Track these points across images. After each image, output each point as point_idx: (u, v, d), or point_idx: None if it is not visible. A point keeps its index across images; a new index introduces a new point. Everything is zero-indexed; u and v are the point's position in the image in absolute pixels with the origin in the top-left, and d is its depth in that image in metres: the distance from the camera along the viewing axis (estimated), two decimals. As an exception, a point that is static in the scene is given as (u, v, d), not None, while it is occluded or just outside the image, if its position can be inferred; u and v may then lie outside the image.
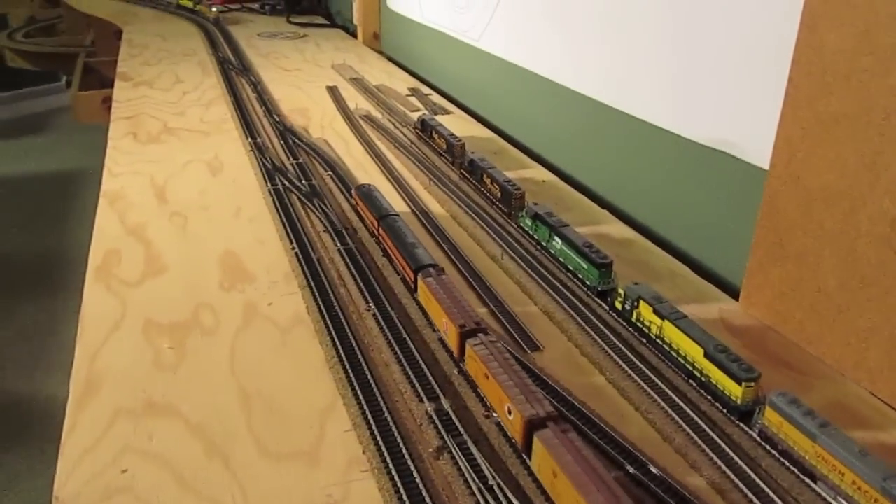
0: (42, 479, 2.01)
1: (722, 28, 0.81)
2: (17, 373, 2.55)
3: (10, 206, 3.88)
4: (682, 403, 0.61)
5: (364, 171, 1.12)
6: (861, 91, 0.61)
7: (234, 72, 1.71)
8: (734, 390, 0.59)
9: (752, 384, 0.59)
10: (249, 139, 1.22)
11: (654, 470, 0.54)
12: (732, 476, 0.54)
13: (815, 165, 0.66)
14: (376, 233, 0.87)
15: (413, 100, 1.51)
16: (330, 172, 1.09)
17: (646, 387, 0.63)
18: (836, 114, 0.63)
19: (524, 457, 0.53)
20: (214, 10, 2.43)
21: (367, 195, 0.91)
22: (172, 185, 1.06)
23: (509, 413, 0.54)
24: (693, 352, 0.63)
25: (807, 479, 0.53)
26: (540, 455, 0.50)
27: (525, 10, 1.22)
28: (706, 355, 0.62)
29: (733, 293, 0.80)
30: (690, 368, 0.63)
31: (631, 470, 0.54)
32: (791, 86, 0.68)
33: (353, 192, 0.96)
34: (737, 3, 0.78)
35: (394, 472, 0.53)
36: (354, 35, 2.22)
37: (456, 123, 1.36)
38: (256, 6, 2.71)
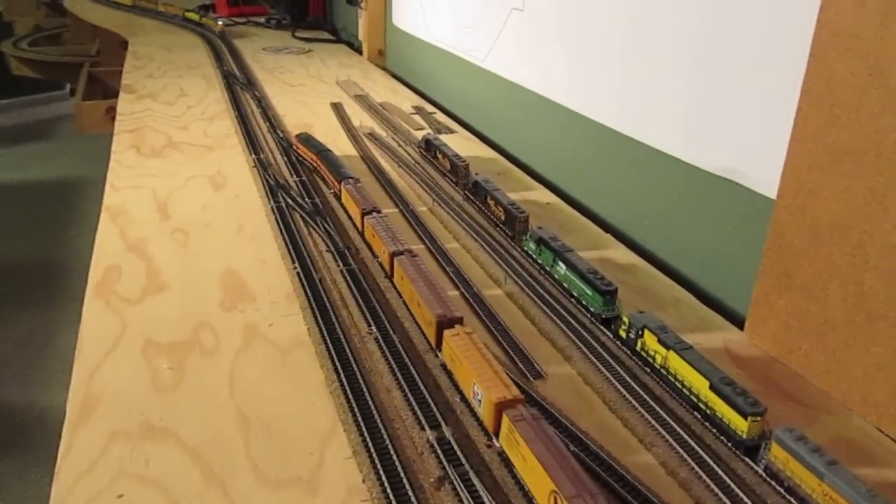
0: (33, 489, 1.99)
1: (732, 57, 0.81)
2: (12, 381, 2.54)
3: (11, 214, 3.87)
4: (686, 436, 0.60)
5: (367, 188, 1.12)
6: (870, 124, 0.61)
7: (239, 86, 1.71)
8: (740, 424, 0.58)
9: (758, 418, 0.58)
10: (253, 155, 1.22)
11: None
12: (738, 513, 0.53)
13: (822, 197, 0.66)
14: (315, 164, 1.14)
15: (417, 118, 1.51)
16: (333, 190, 1.08)
17: (650, 418, 0.62)
18: (845, 146, 0.63)
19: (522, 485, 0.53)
20: (220, 23, 2.44)
21: (307, 140, 1.20)
22: (174, 200, 1.05)
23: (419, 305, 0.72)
24: (698, 383, 0.62)
25: (813, 518, 0.52)
26: (448, 344, 0.64)
27: (533, 32, 1.23)
28: (711, 388, 0.61)
29: (738, 322, 0.80)
30: (695, 400, 0.63)
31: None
32: (799, 117, 0.67)
33: (293, 140, 1.24)
34: (748, 33, 0.78)
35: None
36: (359, 51, 2.23)
37: (460, 143, 1.35)
38: (262, 20, 2.71)
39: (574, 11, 1.09)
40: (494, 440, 0.57)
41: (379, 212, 0.90)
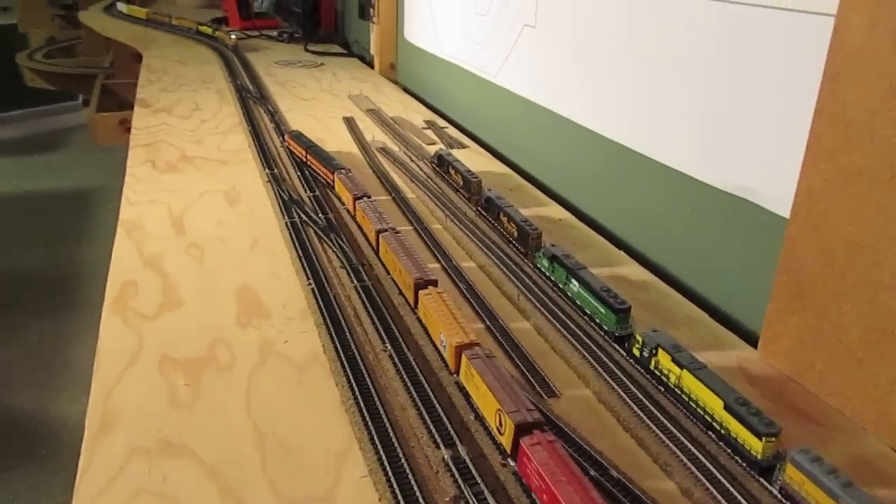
0: (45, 499, 2.00)
1: (746, 76, 0.81)
2: (23, 391, 2.55)
3: (24, 224, 3.91)
4: (701, 456, 0.60)
5: (380, 203, 1.12)
6: (884, 146, 0.61)
7: (252, 100, 1.72)
8: (754, 445, 0.58)
9: (773, 439, 0.58)
10: (267, 170, 1.23)
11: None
12: (753, 534, 0.53)
13: (836, 217, 0.66)
14: (305, 159, 1.25)
15: (429, 132, 1.52)
16: (346, 206, 1.09)
17: (664, 437, 0.62)
18: (859, 167, 0.63)
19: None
20: (233, 36, 2.46)
21: (298, 137, 1.30)
22: (190, 215, 1.06)
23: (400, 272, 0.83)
24: (712, 403, 0.63)
25: (829, 541, 0.52)
26: (422, 301, 0.75)
27: (545, 49, 1.23)
28: (726, 407, 0.61)
29: (751, 339, 0.80)
30: (709, 420, 0.63)
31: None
32: (813, 137, 0.68)
33: (285, 137, 1.35)
34: (762, 53, 0.78)
35: (410, 523, 0.52)
36: (371, 64, 2.24)
37: (472, 158, 1.36)
38: (274, 33, 2.74)
39: (587, 29, 1.10)
40: (509, 460, 0.58)
41: (369, 197, 1.03)
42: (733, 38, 0.82)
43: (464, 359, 0.65)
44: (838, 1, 0.64)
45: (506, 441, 0.57)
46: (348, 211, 1.07)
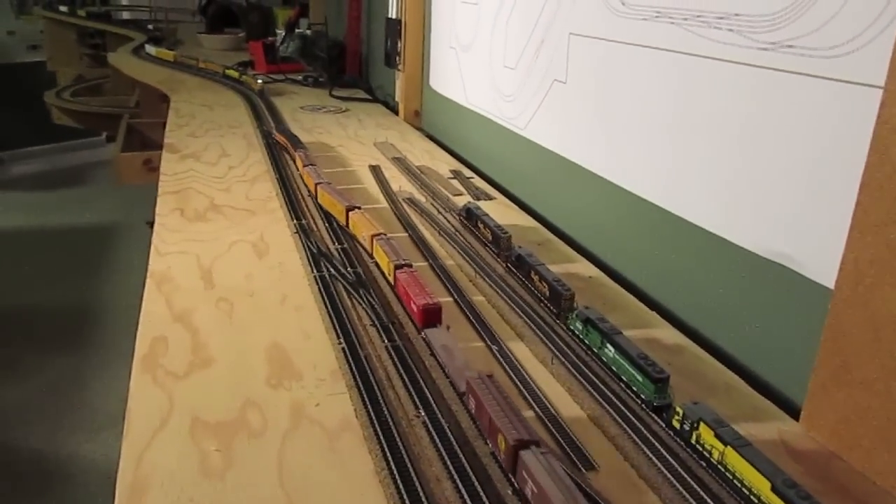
0: (57, 543, 1.98)
1: (784, 141, 0.80)
2: (40, 430, 2.55)
3: (45, 258, 3.94)
4: (748, 541, 0.58)
5: (406, 257, 1.12)
6: (935, 222, 0.60)
7: (279, 147, 1.73)
8: (805, 531, 0.56)
9: (825, 526, 0.56)
10: (294, 220, 1.23)
11: None
12: None
13: (884, 292, 0.65)
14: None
15: (455, 182, 1.52)
16: (374, 260, 1.08)
17: (709, 519, 0.60)
18: (909, 242, 0.62)
19: None
20: (260, 81, 2.49)
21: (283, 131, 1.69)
22: (219, 267, 1.06)
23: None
24: (759, 484, 0.60)
25: None
26: (351, 220, 1.13)
27: (576, 104, 1.24)
28: (773, 490, 0.59)
29: (790, 408, 0.78)
30: (756, 501, 0.61)
31: None
32: (859, 210, 0.66)
33: (274, 133, 1.74)
34: (803, 124, 0.78)
35: None
36: (395, 111, 2.26)
37: (499, 210, 1.36)
38: (300, 77, 2.77)
39: (620, 87, 1.10)
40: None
41: (314, 165, 1.39)
42: (773, 105, 0.81)
43: (374, 243, 1.02)
44: (886, 73, 0.64)
45: (392, 279, 0.95)
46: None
